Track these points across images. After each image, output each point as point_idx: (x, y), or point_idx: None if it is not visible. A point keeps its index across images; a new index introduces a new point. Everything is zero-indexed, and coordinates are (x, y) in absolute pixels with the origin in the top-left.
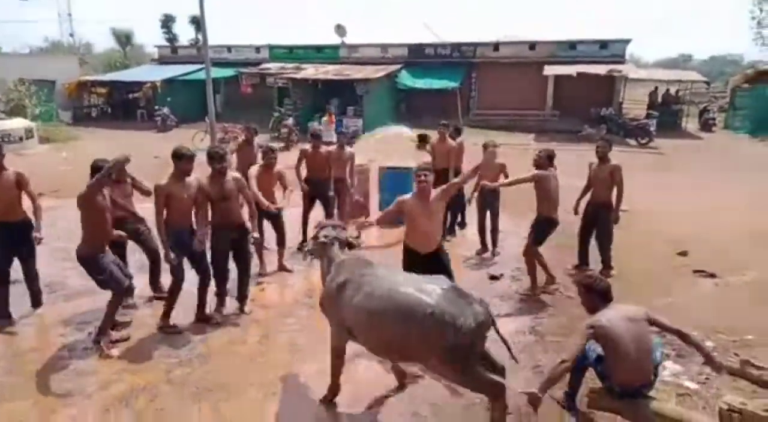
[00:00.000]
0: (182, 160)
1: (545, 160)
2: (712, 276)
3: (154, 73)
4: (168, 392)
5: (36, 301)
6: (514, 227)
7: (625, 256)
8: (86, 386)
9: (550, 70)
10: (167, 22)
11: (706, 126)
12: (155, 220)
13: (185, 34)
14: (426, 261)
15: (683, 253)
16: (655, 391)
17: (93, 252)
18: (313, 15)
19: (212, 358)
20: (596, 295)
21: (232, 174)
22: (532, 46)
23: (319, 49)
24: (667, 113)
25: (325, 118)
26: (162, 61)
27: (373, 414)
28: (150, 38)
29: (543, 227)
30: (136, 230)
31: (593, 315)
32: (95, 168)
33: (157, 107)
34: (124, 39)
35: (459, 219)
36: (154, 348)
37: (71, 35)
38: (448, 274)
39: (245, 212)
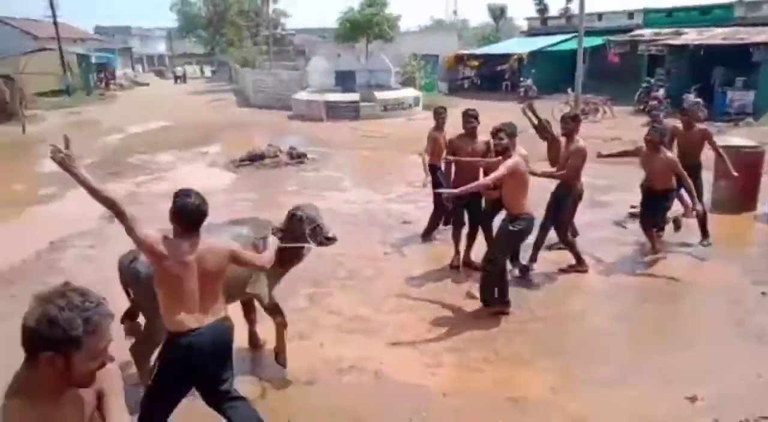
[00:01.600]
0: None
1: None
2: None
3: (521, 46)
4: None
5: None
6: None
7: None
8: None
9: None
10: None
11: None
12: None
13: (556, 3)
14: None
15: None
16: None
17: None
18: None
19: None
20: None
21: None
22: None
23: (705, 10)
24: None
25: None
26: (530, 32)
27: None
28: (521, 11)
29: None
30: None
31: None
32: None
33: (521, 79)
34: (498, 13)
35: None
36: None
37: (454, 13)
38: None
39: None
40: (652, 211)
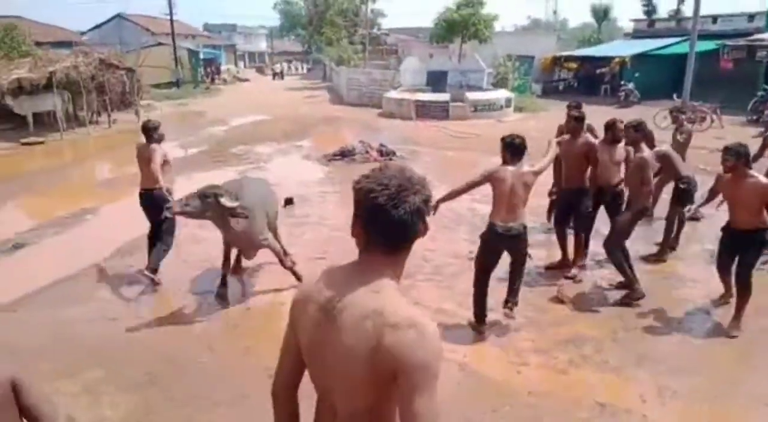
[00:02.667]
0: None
1: None
2: None
3: (624, 48)
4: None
5: None
6: None
7: None
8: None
9: None
10: None
11: None
12: None
13: (665, 5)
14: None
15: None
16: None
17: None
18: None
19: None
20: None
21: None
22: None
23: None
24: None
25: None
26: (636, 35)
27: None
28: (626, 12)
29: None
30: None
31: None
32: None
33: (622, 82)
34: (601, 14)
35: None
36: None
37: (554, 13)
38: None
39: None
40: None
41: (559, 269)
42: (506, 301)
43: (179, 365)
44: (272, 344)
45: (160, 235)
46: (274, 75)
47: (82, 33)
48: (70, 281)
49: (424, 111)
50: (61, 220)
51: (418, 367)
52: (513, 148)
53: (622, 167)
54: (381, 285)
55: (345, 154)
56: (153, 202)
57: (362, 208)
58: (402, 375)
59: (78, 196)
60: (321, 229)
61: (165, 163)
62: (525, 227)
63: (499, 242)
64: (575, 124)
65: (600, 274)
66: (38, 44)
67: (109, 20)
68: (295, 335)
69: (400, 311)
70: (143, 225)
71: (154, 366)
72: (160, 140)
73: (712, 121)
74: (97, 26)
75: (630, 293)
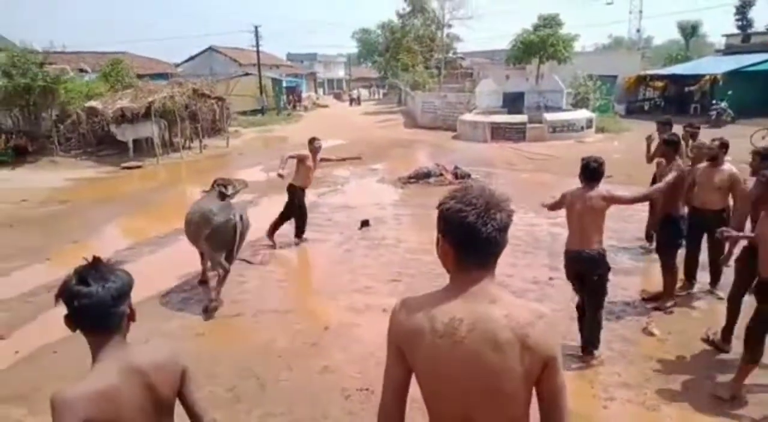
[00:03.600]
0: None
1: None
2: None
3: (715, 65)
4: None
5: None
6: None
7: None
8: None
9: None
10: (743, 6)
11: None
12: None
13: (761, 19)
14: None
15: None
16: None
17: None
18: None
19: None
20: None
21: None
22: None
23: None
24: None
25: None
26: (728, 50)
27: None
28: (717, 27)
29: None
30: None
31: None
32: None
33: (714, 101)
34: (689, 30)
35: None
36: None
37: (638, 31)
38: None
39: None
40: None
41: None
42: (583, 348)
43: (260, 383)
44: (349, 365)
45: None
46: (351, 100)
47: (177, 65)
48: (162, 297)
49: (499, 133)
50: (156, 240)
51: (557, 347)
52: (587, 172)
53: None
54: (493, 294)
55: (419, 177)
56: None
57: (451, 227)
58: (550, 360)
59: (171, 217)
60: (396, 251)
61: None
62: (600, 253)
63: (573, 267)
64: (665, 148)
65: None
66: (139, 76)
67: (201, 52)
68: (407, 372)
69: (524, 309)
70: None
71: (237, 383)
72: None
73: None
74: (191, 58)
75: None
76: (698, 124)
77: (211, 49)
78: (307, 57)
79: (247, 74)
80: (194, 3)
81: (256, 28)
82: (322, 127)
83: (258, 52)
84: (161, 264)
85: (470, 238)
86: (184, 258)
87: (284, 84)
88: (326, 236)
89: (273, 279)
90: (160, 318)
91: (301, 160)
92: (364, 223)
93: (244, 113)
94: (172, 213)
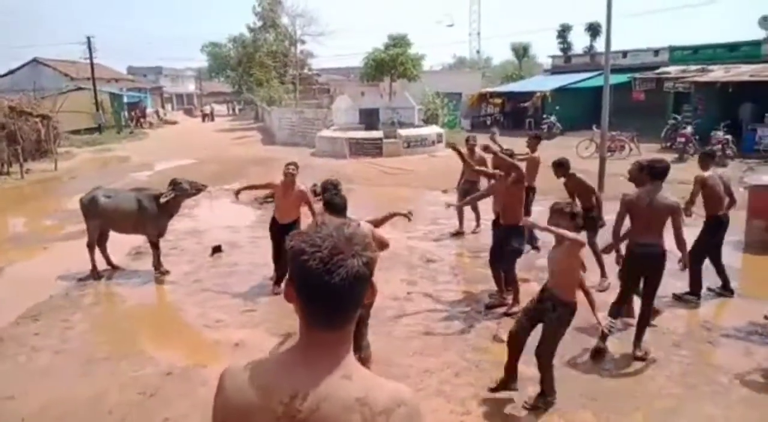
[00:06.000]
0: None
1: None
2: None
3: (544, 83)
4: None
5: None
6: None
7: None
8: None
9: None
10: (563, 31)
11: None
12: None
13: (579, 42)
14: None
15: None
16: None
17: None
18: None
19: None
20: None
21: None
22: None
23: (732, 47)
24: None
25: None
26: (554, 70)
27: None
28: (544, 49)
29: None
30: None
31: None
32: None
33: (545, 116)
34: (521, 51)
35: None
36: None
37: (477, 52)
38: None
39: None
40: None
41: (496, 307)
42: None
43: None
44: (194, 413)
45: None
46: (204, 116)
47: None
48: None
49: (357, 148)
50: None
51: None
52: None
53: None
54: (347, 367)
55: None
56: None
57: (294, 271)
58: None
59: None
60: (252, 278)
61: None
62: None
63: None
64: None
65: None
66: None
67: (24, 65)
68: None
69: (384, 392)
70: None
71: None
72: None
73: (631, 149)
74: (11, 72)
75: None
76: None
77: (35, 61)
78: (150, 70)
79: (79, 89)
80: (18, 12)
81: (88, 38)
82: (170, 145)
83: (92, 64)
84: None
85: (312, 289)
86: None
87: (125, 99)
88: (172, 266)
89: (105, 320)
90: None
91: None
92: (216, 249)
93: (78, 132)
94: None
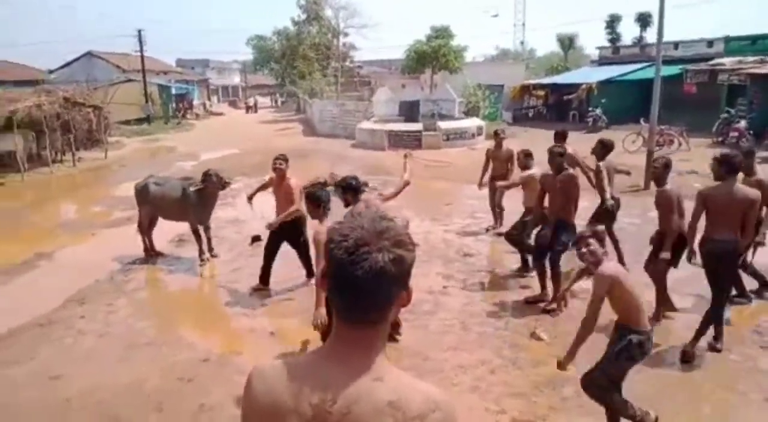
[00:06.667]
0: None
1: None
2: None
3: (591, 75)
4: None
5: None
6: None
7: None
8: None
9: None
10: (612, 22)
11: None
12: None
13: (629, 33)
14: None
15: None
16: None
17: None
18: None
19: None
20: None
21: None
22: None
23: None
24: None
25: None
26: (601, 61)
27: None
28: (591, 40)
29: None
30: None
31: None
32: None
33: (590, 108)
34: (567, 42)
35: None
36: None
37: (521, 43)
38: None
39: None
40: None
41: (535, 303)
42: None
43: None
44: (229, 400)
45: None
46: (248, 108)
47: (51, 71)
48: (11, 338)
49: (396, 140)
50: (9, 269)
51: None
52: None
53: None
54: (380, 368)
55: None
56: None
57: (327, 259)
58: None
59: (31, 240)
60: (290, 268)
61: None
62: None
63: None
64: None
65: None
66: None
67: (78, 58)
68: None
69: (418, 396)
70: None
71: None
72: None
73: (680, 144)
74: (67, 64)
75: None
76: (577, 130)
77: (90, 54)
78: (198, 63)
79: (130, 80)
80: (72, 5)
81: (139, 32)
82: (215, 135)
83: (142, 56)
84: (11, 298)
85: (338, 280)
86: (41, 289)
87: (173, 91)
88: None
89: (147, 306)
90: (7, 361)
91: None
92: (256, 239)
93: (127, 122)
94: (32, 235)
